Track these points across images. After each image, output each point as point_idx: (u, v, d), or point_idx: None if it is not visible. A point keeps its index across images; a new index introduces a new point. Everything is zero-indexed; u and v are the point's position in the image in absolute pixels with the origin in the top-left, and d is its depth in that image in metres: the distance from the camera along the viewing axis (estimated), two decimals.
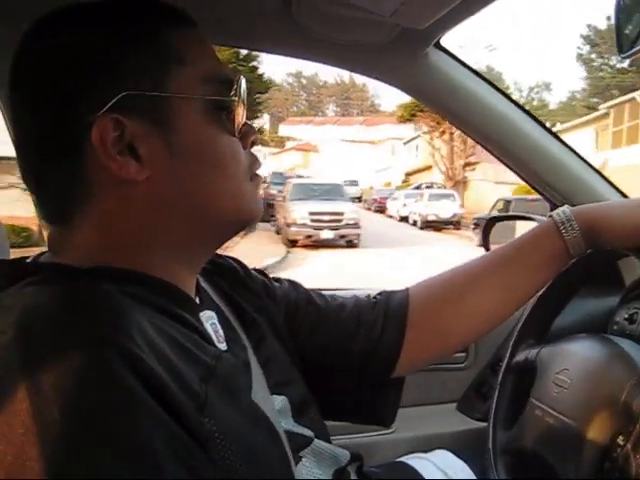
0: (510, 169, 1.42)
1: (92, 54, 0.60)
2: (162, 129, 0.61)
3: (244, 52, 19.40)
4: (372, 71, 1.30)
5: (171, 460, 0.47)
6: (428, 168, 32.34)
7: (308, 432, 0.76)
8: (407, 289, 0.92)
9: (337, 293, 0.95)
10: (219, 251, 0.77)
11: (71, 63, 0.59)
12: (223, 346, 0.67)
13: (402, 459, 1.11)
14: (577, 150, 1.37)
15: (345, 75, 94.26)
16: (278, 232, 17.05)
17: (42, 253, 0.66)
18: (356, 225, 16.15)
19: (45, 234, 0.72)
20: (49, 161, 0.61)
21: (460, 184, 27.81)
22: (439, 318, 0.89)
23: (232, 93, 0.66)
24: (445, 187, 26.83)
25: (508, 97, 1.33)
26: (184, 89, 0.62)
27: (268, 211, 17.65)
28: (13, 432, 0.44)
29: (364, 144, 54.03)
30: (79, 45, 0.60)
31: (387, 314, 0.87)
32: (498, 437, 1.09)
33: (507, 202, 15.93)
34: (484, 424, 1.17)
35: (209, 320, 0.68)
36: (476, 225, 16.81)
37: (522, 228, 1.30)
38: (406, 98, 26.99)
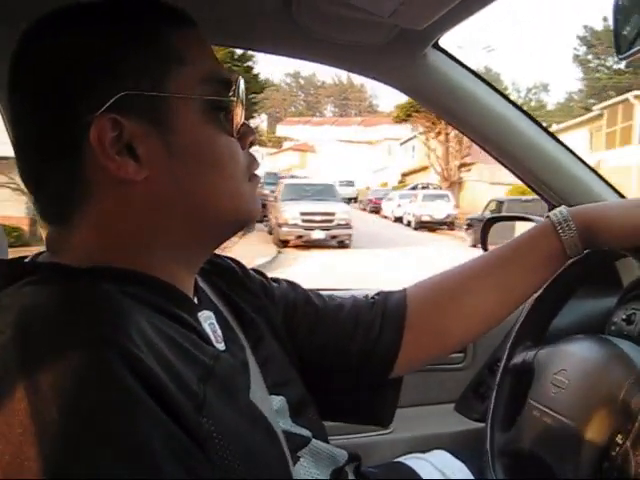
0: (508, 169, 1.42)
1: (92, 54, 0.60)
2: (161, 129, 0.61)
3: (239, 52, 19.38)
4: (371, 71, 1.30)
5: (169, 460, 0.47)
6: (424, 169, 32.36)
7: (306, 432, 0.76)
8: (405, 289, 0.92)
9: (335, 293, 0.95)
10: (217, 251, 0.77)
11: (71, 63, 0.59)
12: (221, 346, 0.67)
13: (400, 459, 1.11)
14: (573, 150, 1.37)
15: (343, 75, 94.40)
16: (271, 232, 17.02)
17: (40, 253, 0.66)
18: (347, 225, 16.14)
19: (43, 234, 0.72)
20: (49, 161, 0.61)
21: (456, 185, 27.84)
22: (437, 318, 0.89)
23: (231, 93, 0.66)
24: (441, 188, 26.84)
25: (506, 97, 1.34)
26: (183, 89, 0.62)
27: (261, 211, 17.60)
28: (11, 432, 0.44)
29: (361, 144, 54.03)
30: (79, 45, 0.60)
31: (385, 314, 0.87)
32: (496, 439, 1.09)
33: (500, 203, 15.93)
34: (482, 424, 1.17)
35: (207, 320, 0.68)
36: (469, 226, 16.85)
37: (521, 229, 1.30)
38: (404, 99, 27.00)
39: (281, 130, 71.03)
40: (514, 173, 1.41)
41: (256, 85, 24.44)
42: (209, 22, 0.76)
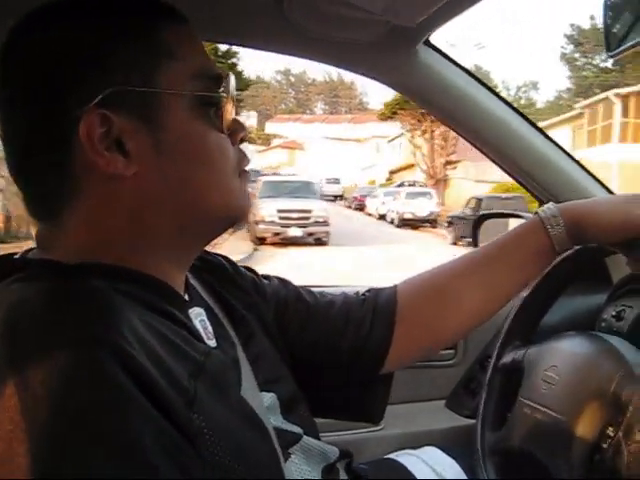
0: (498, 165, 1.42)
1: (82, 48, 0.59)
2: (150, 125, 0.61)
3: (223, 48, 19.24)
4: (362, 68, 1.30)
5: (160, 456, 0.47)
6: (411, 166, 32.39)
7: (297, 429, 0.76)
8: (395, 286, 0.92)
9: (326, 290, 0.95)
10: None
11: (61, 57, 0.59)
12: (212, 343, 0.67)
13: (391, 456, 1.11)
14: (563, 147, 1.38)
15: (334, 73, 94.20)
16: (247, 230, 16.97)
17: (31, 249, 0.66)
18: (325, 223, 16.14)
19: (33, 231, 0.71)
20: (38, 156, 0.61)
21: (441, 182, 27.92)
22: (426, 314, 0.89)
23: (221, 89, 0.66)
24: (426, 185, 26.87)
25: (497, 94, 1.34)
26: (173, 84, 0.62)
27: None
28: (2, 428, 0.44)
29: (350, 142, 53.99)
30: (69, 39, 0.60)
31: (375, 310, 0.88)
32: (487, 438, 1.09)
33: (479, 200, 16.08)
34: (473, 421, 1.18)
35: (198, 317, 0.68)
36: (449, 223, 16.95)
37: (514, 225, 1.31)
38: (393, 96, 26.99)
39: (271, 127, 70.94)
40: (504, 170, 1.42)
41: (241, 82, 24.39)
42: (200, 18, 0.76)
